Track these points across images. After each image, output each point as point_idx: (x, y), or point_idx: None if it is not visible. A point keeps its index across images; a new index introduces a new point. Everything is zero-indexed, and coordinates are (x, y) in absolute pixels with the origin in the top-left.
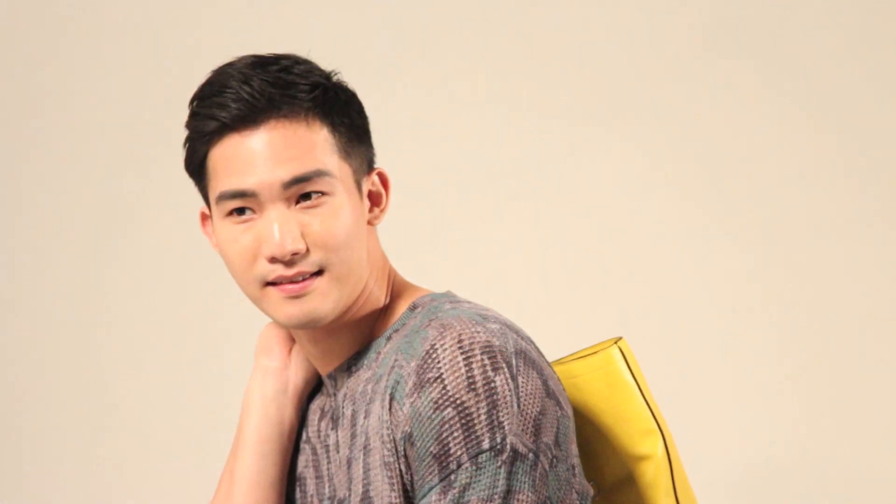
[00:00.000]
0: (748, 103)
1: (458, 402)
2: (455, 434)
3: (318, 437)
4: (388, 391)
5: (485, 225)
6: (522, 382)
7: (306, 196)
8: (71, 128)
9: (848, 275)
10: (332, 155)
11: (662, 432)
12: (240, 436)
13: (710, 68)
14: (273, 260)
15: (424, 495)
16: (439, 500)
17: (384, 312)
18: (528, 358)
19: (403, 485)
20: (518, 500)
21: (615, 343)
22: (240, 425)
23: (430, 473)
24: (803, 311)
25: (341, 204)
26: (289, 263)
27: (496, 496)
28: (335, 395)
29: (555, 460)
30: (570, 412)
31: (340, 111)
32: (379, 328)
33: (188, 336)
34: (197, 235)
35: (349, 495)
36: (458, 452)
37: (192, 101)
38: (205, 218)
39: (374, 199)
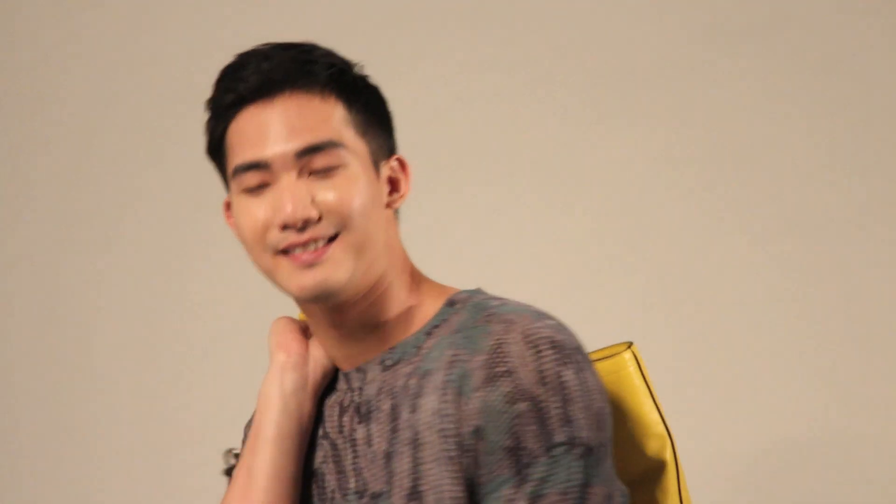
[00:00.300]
0: (762, 99)
1: (532, 395)
2: (529, 428)
3: (340, 431)
4: (453, 385)
5: (490, 225)
6: (587, 378)
7: (320, 169)
8: (70, 126)
9: (865, 271)
10: (346, 129)
11: (671, 437)
12: (258, 431)
13: (721, 65)
14: (285, 227)
15: (496, 489)
16: (515, 493)
17: (414, 308)
18: (584, 354)
19: (466, 479)
20: (591, 493)
21: (628, 348)
22: (257, 421)
23: (503, 467)
24: (818, 310)
25: (356, 175)
26: (301, 230)
27: (573, 489)
28: (361, 389)
29: (609, 455)
30: (610, 409)
31: (357, 91)
32: (410, 323)
33: (184, 338)
34: (198, 234)
35: (389, 489)
36: (533, 446)
37: (214, 84)
38: (228, 208)
39: (394, 185)
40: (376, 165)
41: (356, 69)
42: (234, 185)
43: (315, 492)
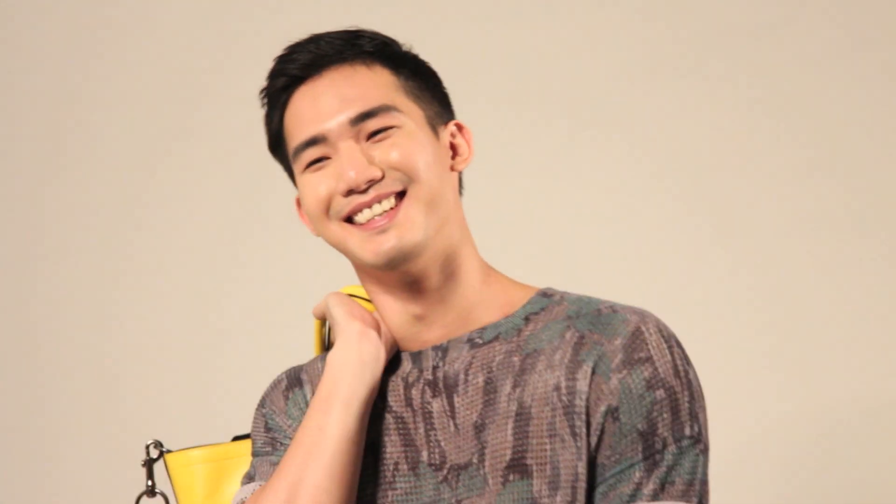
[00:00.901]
0: (761, 101)
1: (668, 385)
2: (664, 415)
3: (408, 405)
4: (586, 364)
5: (489, 227)
6: (699, 381)
7: (376, 132)
8: (82, 126)
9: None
10: (396, 93)
11: None
12: (331, 394)
13: (708, 69)
14: (349, 193)
15: (623, 470)
16: (645, 476)
17: (497, 292)
18: None
19: (590, 456)
20: (705, 490)
21: None
22: (329, 385)
23: (633, 450)
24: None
25: (413, 133)
26: (365, 192)
27: (696, 482)
28: (437, 366)
29: None
30: None
31: (403, 60)
32: (497, 307)
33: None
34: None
35: (478, 461)
36: (665, 434)
37: (267, 76)
38: (300, 204)
39: (455, 150)
40: (434, 130)
41: (406, 48)
42: (296, 167)
43: (371, 463)
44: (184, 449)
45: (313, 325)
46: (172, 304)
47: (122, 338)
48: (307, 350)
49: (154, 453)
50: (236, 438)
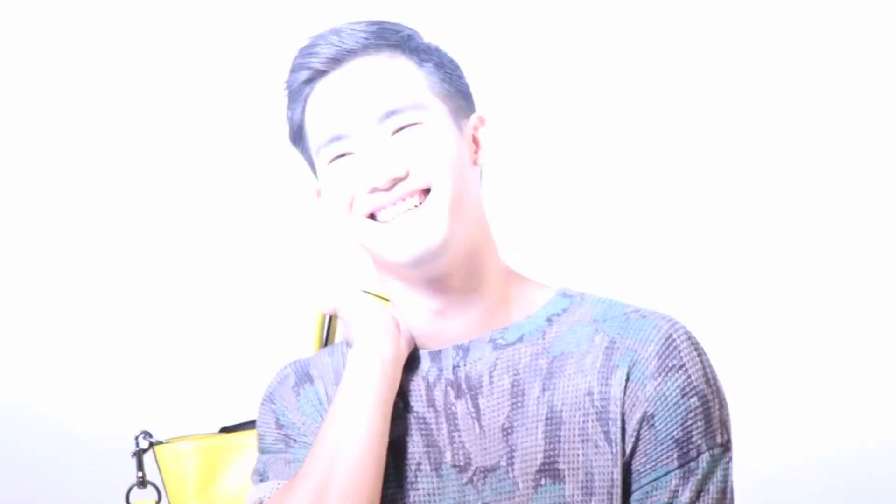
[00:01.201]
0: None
1: (702, 393)
2: (698, 423)
3: (431, 405)
4: (619, 370)
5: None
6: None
7: (400, 128)
8: (39, 125)
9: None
10: (421, 89)
11: None
12: (357, 396)
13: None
14: (373, 190)
15: (659, 478)
16: (681, 484)
17: (518, 291)
18: None
19: (625, 462)
20: (733, 498)
21: None
22: (352, 384)
23: (668, 457)
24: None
25: (437, 130)
26: (389, 190)
27: (728, 490)
28: (458, 366)
29: None
30: None
31: (427, 53)
32: (517, 306)
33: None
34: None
35: (507, 464)
36: (699, 441)
37: (289, 69)
38: (320, 195)
39: (478, 144)
40: (457, 124)
41: (428, 39)
42: (319, 162)
43: (391, 463)
44: (173, 439)
45: (316, 319)
46: (160, 295)
47: (111, 327)
48: (294, 340)
49: (143, 444)
50: (224, 430)
